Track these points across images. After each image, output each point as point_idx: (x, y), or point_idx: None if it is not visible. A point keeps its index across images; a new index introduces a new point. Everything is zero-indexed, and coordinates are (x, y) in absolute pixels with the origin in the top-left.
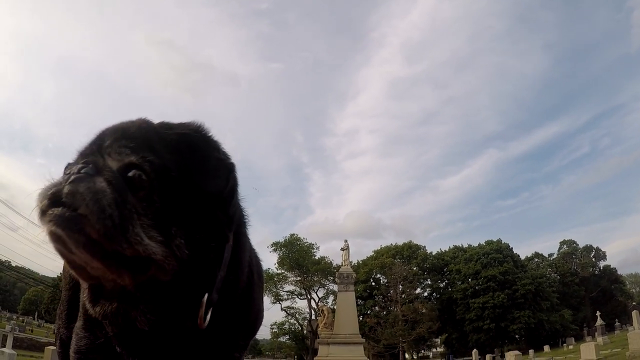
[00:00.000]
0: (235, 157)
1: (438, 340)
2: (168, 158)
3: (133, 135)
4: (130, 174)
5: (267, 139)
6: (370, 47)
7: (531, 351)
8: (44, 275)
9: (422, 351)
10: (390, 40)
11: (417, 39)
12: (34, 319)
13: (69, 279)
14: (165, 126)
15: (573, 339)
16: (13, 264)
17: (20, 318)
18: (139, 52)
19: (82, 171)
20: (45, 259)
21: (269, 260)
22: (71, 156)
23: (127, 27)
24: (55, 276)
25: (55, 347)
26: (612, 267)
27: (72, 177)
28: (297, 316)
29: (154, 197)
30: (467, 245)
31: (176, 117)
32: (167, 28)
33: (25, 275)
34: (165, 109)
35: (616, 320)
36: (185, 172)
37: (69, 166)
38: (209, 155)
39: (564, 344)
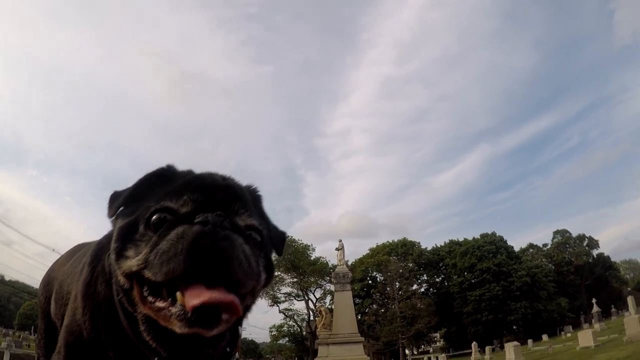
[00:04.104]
0: (231, 162)
1: (437, 335)
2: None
3: (244, 198)
4: (249, 233)
5: (260, 141)
6: (361, 48)
7: (530, 341)
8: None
9: (422, 346)
10: (381, 40)
11: (407, 39)
12: (30, 334)
13: (44, 308)
14: (246, 188)
15: (570, 326)
16: (7, 279)
17: (17, 333)
18: (131, 62)
19: (224, 225)
20: (39, 272)
21: None
22: (62, 168)
23: (118, 37)
24: None
25: None
26: (605, 254)
27: (222, 232)
28: (295, 318)
29: (263, 256)
30: (462, 239)
31: (171, 125)
32: (157, 34)
33: (20, 290)
34: (159, 117)
35: (612, 306)
36: (271, 235)
37: (180, 214)
38: (270, 221)
39: (562, 332)
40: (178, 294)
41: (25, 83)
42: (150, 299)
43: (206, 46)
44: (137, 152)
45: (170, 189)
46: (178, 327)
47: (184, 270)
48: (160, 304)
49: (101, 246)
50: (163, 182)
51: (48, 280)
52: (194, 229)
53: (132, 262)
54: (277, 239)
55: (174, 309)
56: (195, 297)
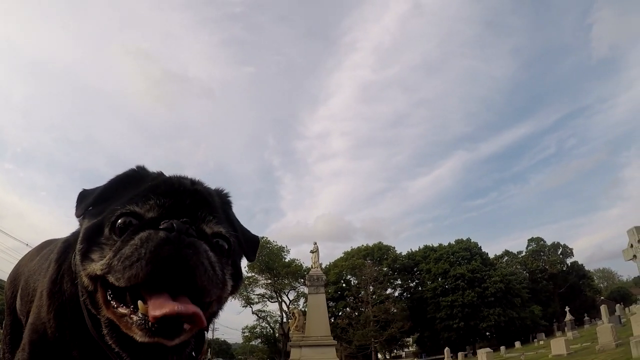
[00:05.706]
0: (210, 162)
1: (410, 340)
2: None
3: (213, 203)
4: (216, 240)
5: (239, 142)
6: (343, 51)
7: (502, 347)
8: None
9: (395, 351)
10: (362, 45)
11: (388, 44)
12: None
13: (10, 303)
14: (216, 193)
15: (543, 334)
16: None
17: None
18: (113, 59)
19: (190, 232)
20: (8, 265)
21: None
22: (40, 162)
23: (101, 33)
24: None
25: None
26: (579, 263)
27: (187, 240)
28: (268, 319)
29: (229, 263)
30: (437, 245)
31: (151, 123)
32: (141, 33)
33: None
34: (140, 114)
35: (585, 314)
36: (239, 242)
37: (147, 219)
38: (242, 226)
39: (535, 340)
40: (140, 303)
41: (5, 73)
42: (113, 303)
43: (189, 46)
44: (116, 149)
45: (138, 192)
46: (139, 336)
47: (146, 276)
48: (122, 310)
49: (68, 244)
50: (132, 183)
51: (15, 275)
52: (158, 235)
53: (97, 265)
54: (249, 244)
55: (135, 317)
56: (157, 308)
